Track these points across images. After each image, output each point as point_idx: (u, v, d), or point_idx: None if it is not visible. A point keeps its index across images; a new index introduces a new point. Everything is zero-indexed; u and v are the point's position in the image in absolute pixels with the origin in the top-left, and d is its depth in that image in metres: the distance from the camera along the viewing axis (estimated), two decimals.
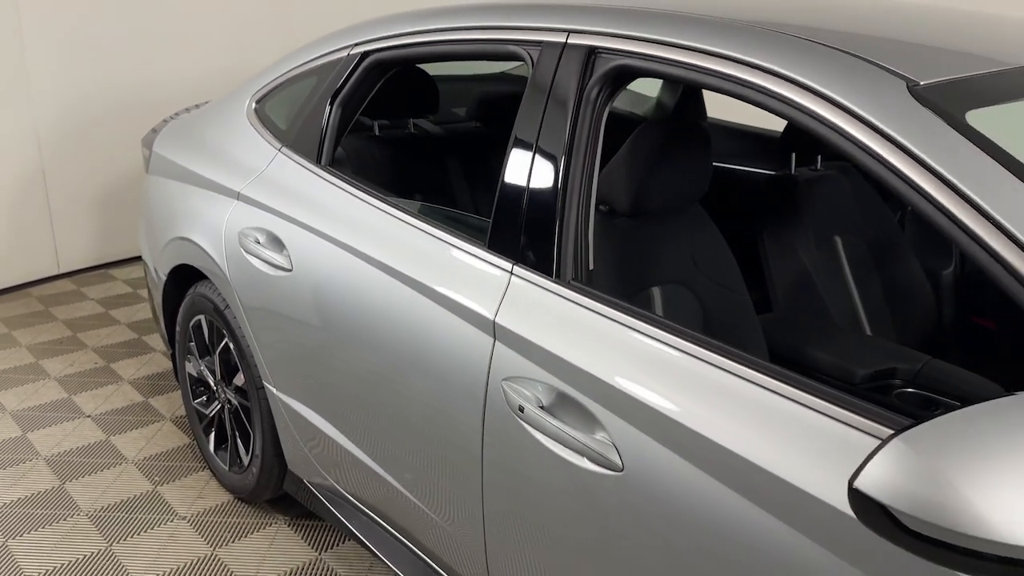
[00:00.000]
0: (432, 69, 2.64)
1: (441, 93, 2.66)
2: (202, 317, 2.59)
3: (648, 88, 3.46)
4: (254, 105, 2.51)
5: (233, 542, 2.49)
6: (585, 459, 1.39)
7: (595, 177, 1.59)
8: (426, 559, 1.97)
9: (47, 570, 2.36)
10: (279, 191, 2.21)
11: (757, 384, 1.23)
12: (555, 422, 1.43)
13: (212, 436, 2.74)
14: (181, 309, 2.69)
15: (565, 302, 1.51)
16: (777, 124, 2.37)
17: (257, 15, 4.91)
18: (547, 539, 1.52)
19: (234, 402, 2.56)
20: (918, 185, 1.11)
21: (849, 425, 1.11)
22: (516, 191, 1.64)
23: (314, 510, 2.40)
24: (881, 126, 1.17)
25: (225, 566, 2.39)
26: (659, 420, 1.30)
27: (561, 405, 1.45)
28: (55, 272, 4.55)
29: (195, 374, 2.75)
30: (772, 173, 2.57)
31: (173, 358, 2.90)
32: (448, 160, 2.79)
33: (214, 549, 2.46)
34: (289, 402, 2.22)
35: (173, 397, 3.33)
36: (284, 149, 2.29)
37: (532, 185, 1.62)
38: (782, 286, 2.34)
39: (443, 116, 3.01)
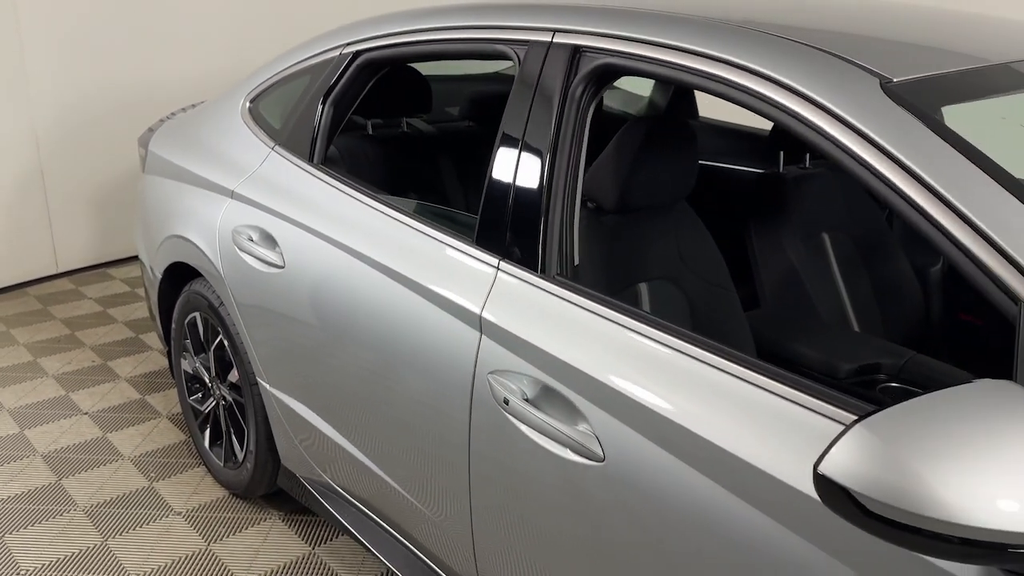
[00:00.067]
0: (426, 69, 2.67)
1: (434, 93, 2.69)
2: (197, 314, 2.62)
3: (643, 88, 3.49)
4: (248, 104, 2.54)
5: (227, 537, 2.52)
6: (568, 450, 1.42)
7: (580, 174, 1.61)
8: (417, 553, 1.99)
9: (43, 564, 2.38)
10: (272, 189, 2.23)
11: (737, 377, 1.26)
12: (539, 414, 1.46)
13: (207, 432, 2.77)
14: (176, 307, 2.72)
15: (550, 296, 1.54)
16: (767, 123, 2.40)
17: (256, 15, 4.94)
18: (532, 529, 1.55)
19: (228, 398, 2.58)
20: (890, 181, 1.14)
21: (831, 419, 1.13)
22: (502, 188, 1.67)
23: (307, 505, 2.42)
24: (854, 122, 1.19)
25: (219, 560, 2.41)
26: (641, 412, 1.33)
27: (545, 397, 1.47)
28: (53, 271, 4.58)
29: (190, 371, 2.78)
30: (761, 171, 2.60)
31: (169, 355, 2.92)
32: (441, 159, 2.82)
33: (208, 544, 2.49)
34: (282, 398, 2.25)
35: (169, 395, 3.35)
36: (277, 148, 2.32)
37: (518, 182, 1.64)
38: (770, 283, 2.36)
39: (436, 115, 3.04)
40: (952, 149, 1.12)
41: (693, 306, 1.98)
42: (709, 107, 3.12)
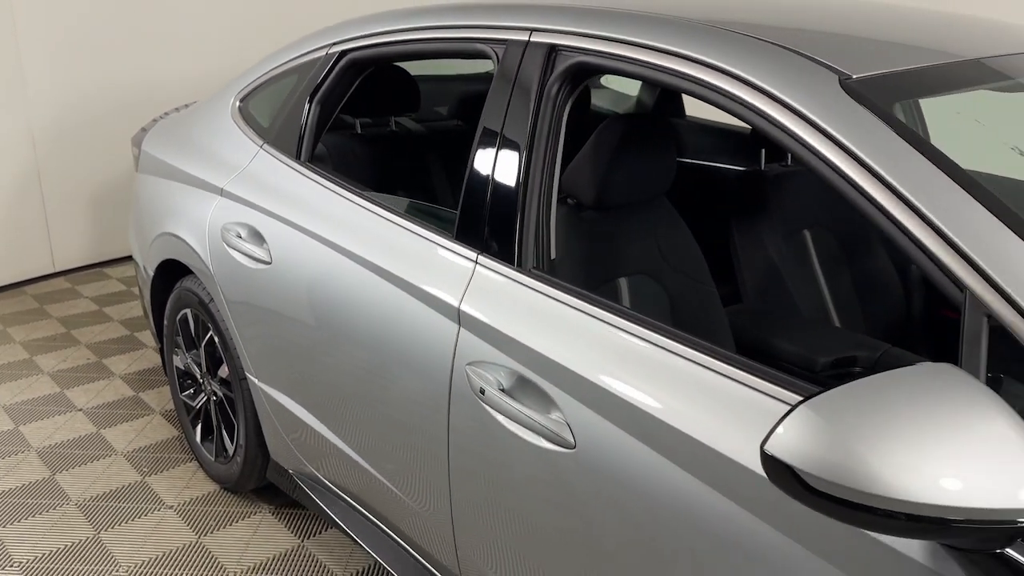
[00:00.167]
0: (414, 69, 2.71)
1: (423, 92, 2.73)
2: (188, 311, 2.65)
3: (631, 88, 3.53)
4: (238, 104, 2.58)
5: (218, 530, 2.56)
6: (541, 438, 1.45)
7: (557, 170, 1.65)
8: (404, 545, 2.02)
9: (36, 556, 2.42)
10: (260, 187, 2.27)
11: (701, 365, 1.29)
12: (514, 404, 1.49)
13: (199, 428, 2.80)
14: (168, 304, 2.76)
15: (525, 289, 1.57)
16: None
17: (253, 16, 4.98)
18: (507, 516, 1.58)
19: (219, 394, 2.62)
20: (845, 173, 1.17)
21: None
22: (481, 184, 1.71)
23: (297, 498, 2.46)
24: (813, 118, 1.23)
25: (209, 553, 2.45)
26: (611, 401, 1.36)
27: (520, 387, 1.51)
28: (50, 271, 4.62)
29: (182, 367, 2.81)
30: (743, 169, 2.63)
31: (162, 352, 2.96)
32: (429, 157, 2.86)
33: (199, 537, 2.52)
34: (270, 392, 2.29)
35: (163, 392, 3.39)
36: (266, 146, 2.35)
37: (496, 178, 1.68)
38: (751, 279, 2.39)
39: (425, 115, 3.08)
40: (904, 143, 1.16)
41: (673, 301, 2.01)
42: (702, 106, 3.15)
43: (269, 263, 2.14)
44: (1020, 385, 1.04)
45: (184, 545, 2.48)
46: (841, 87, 1.25)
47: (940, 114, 1.34)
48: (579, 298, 1.49)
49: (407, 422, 1.81)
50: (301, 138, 2.24)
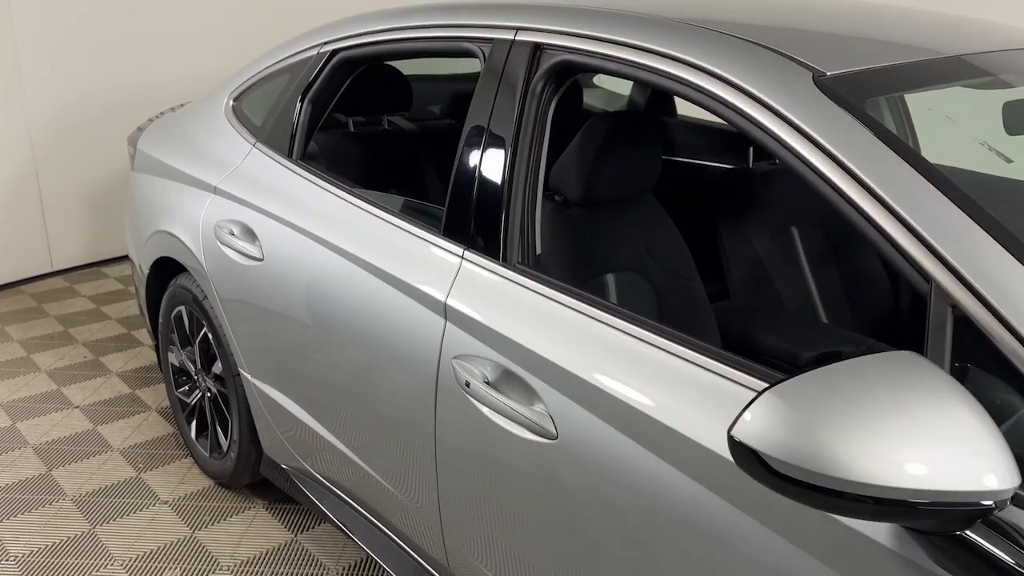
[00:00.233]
0: (407, 68, 2.73)
1: (416, 92, 2.75)
2: (183, 308, 2.68)
3: (624, 87, 3.56)
4: (231, 103, 2.60)
5: (212, 525, 2.58)
6: (524, 429, 1.48)
7: (542, 166, 1.68)
8: (395, 539, 2.05)
9: (32, 551, 2.45)
10: (252, 184, 2.30)
11: (681, 357, 1.32)
12: (498, 396, 1.52)
13: (193, 424, 2.83)
14: (163, 301, 2.78)
15: (510, 284, 1.60)
16: None
17: (251, 16, 5.00)
18: (491, 506, 1.61)
19: (213, 390, 2.65)
20: (819, 170, 1.20)
21: None
22: (468, 180, 1.73)
23: (289, 493, 2.49)
24: (786, 114, 1.25)
25: (203, 547, 2.48)
26: (591, 392, 1.39)
27: (504, 380, 1.54)
28: (48, 270, 4.65)
29: (177, 364, 2.84)
30: (731, 167, 2.66)
31: (157, 350, 2.99)
32: (421, 155, 2.88)
33: (193, 531, 2.55)
34: (262, 387, 2.31)
35: (159, 389, 3.42)
36: (258, 144, 2.38)
37: (482, 175, 1.71)
38: (739, 276, 2.42)
39: (418, 114, 3.11)
40: (874, 138, 1.18)
41: (660, 297, 2.04)
42: (694, 105, 3.17)
43: (261, 260, 2.17)
44: (986, 374, 1.07)
45: (178, 539, 2.51)
46: (815, 84, 1.28)
47: (915, 110, 1.36)
48: (563, 292, 1.52)
49: (396, 416, 1.83)
50: (293, 136, 2.27)
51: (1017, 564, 0.93)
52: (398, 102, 2.71)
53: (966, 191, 1.11)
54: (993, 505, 0.89)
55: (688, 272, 2.08)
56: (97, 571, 2.37)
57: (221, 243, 2.32)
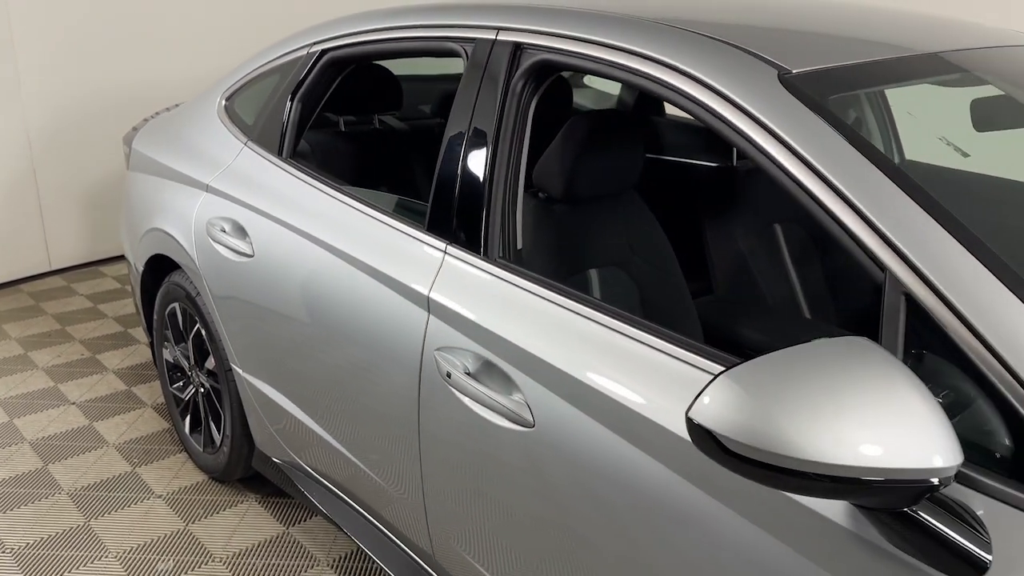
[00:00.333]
0: (399, 68, 2.77)
1: (407, 91, 2.80)
2: (176, 305, 2.72)
3: (614, 87, 3.60)
4: (224, 102, 2.65)
5: (205, 518, 2.62)
6: (503, 418, 1.52)
7: (523, 163, 1.72)
8: (384, 531, 2.09)
9: (28, 543, 2.49)
10: (243, 182, 2.34)
11: (653, 347, 1.36)
12: (478, 386, 1.56)
13: (187, 419, 2.87)
14: (157, 298, 2.83)
15: (490, 277, 1.64)
16: None
17: (247, 18, 5.05)
18: (471, 494, 1.65)
19: (206, 385, 2.69)
20: (782, 164, 1.24)
21: None
22: (451, 177, 1.77)
23: (281, 486, 2.53)
24: (753, 112, 1.30)
25: (196, 539, 2.52)
26: (567, 381, 1.43)
27: (484, 371, 1.58)
28: (46, 269, 4.70)
29: (171, 360, 2.88)
30: (715, 165, 2.70)
31: (152, 346, 3.03)
32: (411, 154, 2.92)
33: (187, 524, 2.59)
34: (254, 382, 2.35)
35: (155, 386, 3.46)
36: (250, 143, 2.42)
37: (464, 171, 1.75)
38: (723, 272, 2.46)
39: (409, 113, 3.15)
40: (834, 133, 1.23)
41: (642, 292, 2.08)
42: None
43: (251, 256, 2.21)
44: (939, 360, 1.10)
45: (172, 532, 2.55)
46: (780, 82, 1.32)
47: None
48: (541, 285, 1.56)
49: (382, 409, 1.87)
50: (283, 135, 2.31)
51: (959, 537, 0.98)
52: (388, 102, 2.76)
53: (922, 184, 1.15)
54: (939, 483, 0.93)
55: (670, 267, 2.12)
56: (92, 563, 2.41)
57: (213, 240, 2.36)
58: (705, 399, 0.97)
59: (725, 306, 2.32)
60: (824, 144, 1.21)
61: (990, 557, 0.96)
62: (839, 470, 0.92)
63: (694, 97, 1.38)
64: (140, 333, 3.96)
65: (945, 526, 0.99)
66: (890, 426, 0.93)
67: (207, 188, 2.46)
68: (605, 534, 1.39)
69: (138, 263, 2.88)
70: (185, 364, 2.80)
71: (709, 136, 3.05)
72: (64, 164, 4.63)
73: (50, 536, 2.52)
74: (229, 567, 2.40)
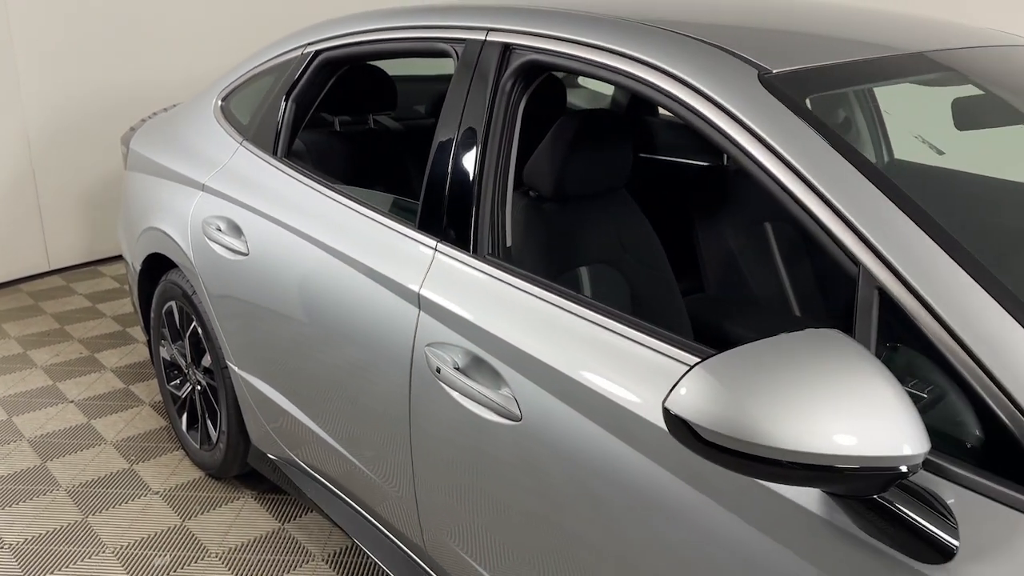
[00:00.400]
0: (394, 69, 2.80)
1: (402, 92, 2.82)
2: (173, 303, 2.75)
3: (607, 87, 3.62)
4: (220, 103, 2.68)
5: (201, 514, 2.65)
6: (491, 412, 1.55)
7: (512, 161, 1.74)
8: (379, 527, 2.11)
9: (26, 539, 2.52)
10: (239, 181, 2.37)
11: (637, 342, 1.38)
12: (467, 380, 1.59)
13: (184, 416, 2.90)
14: (155, 296, 2.85)
15: (479, 274, 1.67)
16: None
17: (245, 19, 5.08)
18: (461, 487, 1.68)
19: (203, 383, 2.72)
20: (760, 162, 1.27)
21: None
22: (441, 175, 1.80)
23: (277, 483, 2.55)
24: (733, 111, 1.32)
25: (192, 535, 2.54)
26: (553, 375, 1.46)
27: (473, 365, 1.60)
28: (45, 268, 4.73)
29: (168, 358, 2.91)
30: (706, 164, 2.73)
31: (150, 345, 3.06)
32: (405, 153, 2.95)
33: (183, 520, 2.62)
34: (249, 379, 2.38)
35: (152, 384, 3.49)
36: (245, 143, 2.45)
37: (454, 169, 1.77)
38: (713, 270, 2.49)
39: (404, 113, 3.18)
40: (811, 131, 1.25)
41: (633, 289, 2.10)
42: None
43: (246, 254, 2.24)
44: (912, 352, 1.13)
45: (169, 528, 2.58)
46: (759, 82, 1.35)
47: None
48: (528, 282, 1.59)
49: (375, 405, 1.90)
50: (278, 135, 2.34)
51: (927, 523, 1.00)
52: (383, 102, 2.78)
53: (896, 181, 1.18)
54: (908, 470, 0.96)
55: (660, 265, 2.14)
56: (89, 558, 2.44)
57: (208, 239, 2.39)
58: (681, 390, 1.00)
59: (715, 304, 2.35)
60: (800, 141, 1.24)
61: (957, 543, 0.98)
62: (812, 458, 0.95)
63: (677, 97, 1.40)
64: (138, 332, 3.99)
65: (914, 513, 1.02)
66: (860, 415, 0.95)
67: (203, 187, 2.48)
68: (593, 527, 1.42)
69: (135, 262, 2.91)
70: (182, 362, 2.83)
71: (699, 136, 3.08)
72: (63, 164, 4.66)
73: (48, 532, 2.55)
74: (225, 562, 2.43)
